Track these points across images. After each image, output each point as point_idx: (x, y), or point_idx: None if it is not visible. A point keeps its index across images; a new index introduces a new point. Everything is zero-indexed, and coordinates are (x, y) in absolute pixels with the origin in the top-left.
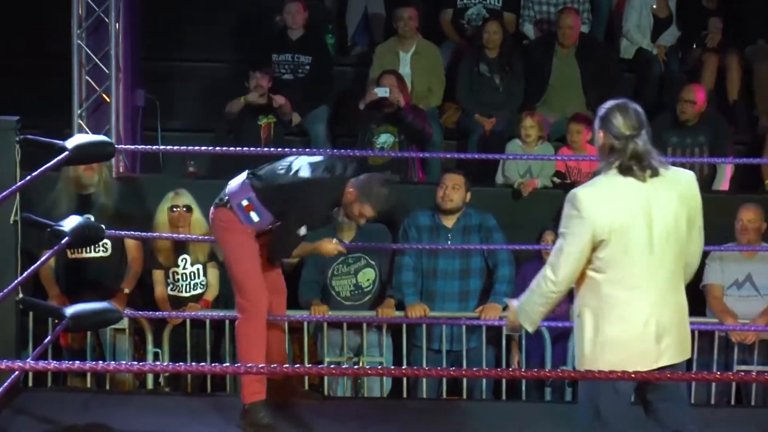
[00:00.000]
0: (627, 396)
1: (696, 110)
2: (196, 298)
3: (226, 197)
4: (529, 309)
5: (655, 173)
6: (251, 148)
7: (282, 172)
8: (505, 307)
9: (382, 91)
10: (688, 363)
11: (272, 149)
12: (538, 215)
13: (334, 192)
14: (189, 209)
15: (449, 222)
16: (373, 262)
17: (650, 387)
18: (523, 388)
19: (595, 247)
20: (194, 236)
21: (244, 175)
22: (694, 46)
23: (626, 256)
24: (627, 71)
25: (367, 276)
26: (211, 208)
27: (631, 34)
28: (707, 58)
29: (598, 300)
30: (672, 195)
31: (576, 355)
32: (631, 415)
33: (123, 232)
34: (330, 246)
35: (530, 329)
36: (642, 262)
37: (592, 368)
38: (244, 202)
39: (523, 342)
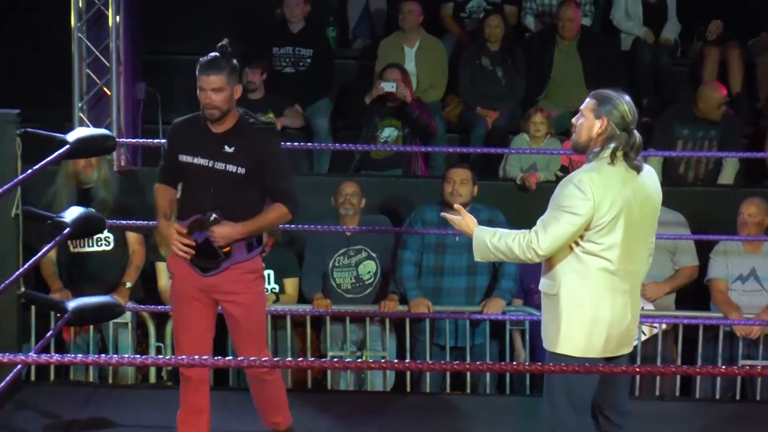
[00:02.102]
0: (594, 378)
1: (722, 109)
2: None
3: None
4: (490, 250)
5: (640, 168)
6: None
7: None
8: (509, 302)
9: (388, 86)
10: (693, 357)
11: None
12: (541, 209)
13: None
14: None
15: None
16: (374, 254)
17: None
18: (527, 382)
19: (587, 230)
20: None
21: None
22: (695, 40)
23: (613, 242)
24: (625, 63)
25: (368, 268)
26: (225, 265)
27: (621, 22)
28: (708, 51)
29: (584, 282)
30: (650, 189)
31: (547, 332)
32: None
33: (124, 222)
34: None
35: (477, 258)
36: (627, 250)
37: (568, 346)
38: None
39: (527, 336)
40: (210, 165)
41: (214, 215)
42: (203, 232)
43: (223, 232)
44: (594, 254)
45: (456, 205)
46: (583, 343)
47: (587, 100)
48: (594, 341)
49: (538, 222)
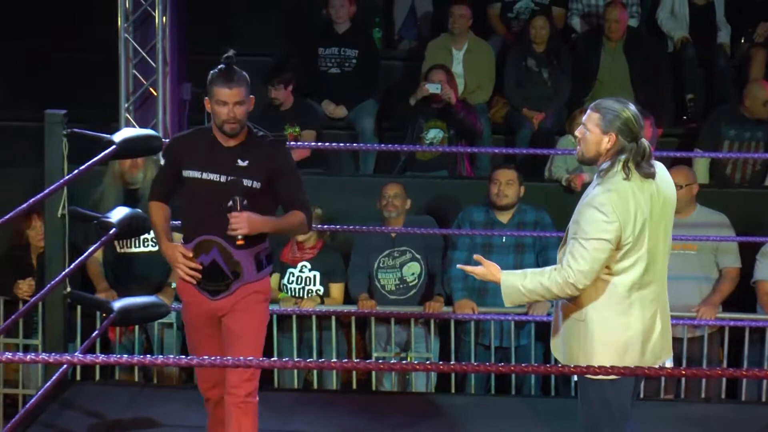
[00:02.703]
0: (627, 393)
1: (764, 107)
2: None
3: None
4: (523, 294)
5: (653, 175)
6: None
7: None
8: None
9: (433, 87)
10: (739, 359)
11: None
12: None
13: None
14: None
15: (504, 218)
16: (418, 256)
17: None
18: (573, 384)
19: (615, 251)
20: None
21: None
22: (742, 41)
23: (639, 255)
24: (671, 64)
25: (412, 270)
26: (235, 286)
27: (665, 23)
28: (755, 53)
29: (612, 303)
30: (665, 190)
31: (574, 357)
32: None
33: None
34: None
35: (507, 304)
36: (650, 261)
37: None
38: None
39: None
40: (223, 180)
41: (244, 200)
42: (210, 254)
43: (254, 218)
44: (620, 273)
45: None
46: (627, 366)
47: (590, 112)
48: (628, 362)
49: (567, 254)
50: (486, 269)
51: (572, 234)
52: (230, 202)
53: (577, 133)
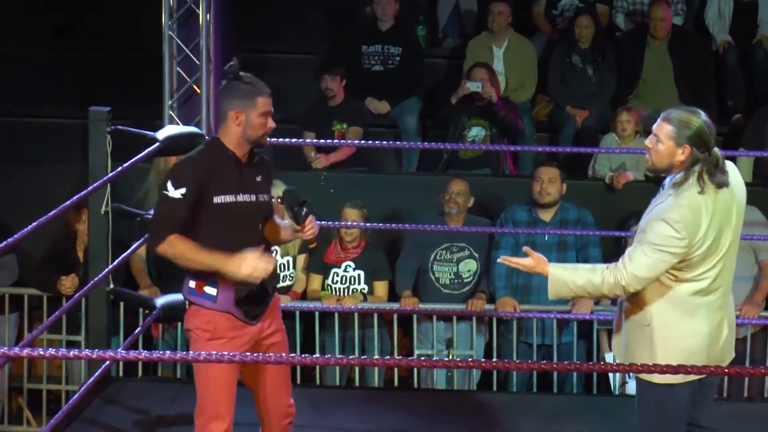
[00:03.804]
0: (684, 398)
1: None
2: (286, 290)
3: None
4: (570, 289)
5: (726, 184)
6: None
7: None
8: (597, 302)
9: (474, 86)
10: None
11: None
12: (630, 209)
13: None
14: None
15: (547, 216)
16: (476, 254)
17: (703, 388)
18: (613, 382)
19: (680, 263)
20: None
21: None
22: None
23: (708, 265)
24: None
25: (469, 266)
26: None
27: (712, 23)
28: None
29: (678, 309)
30: (737, 196)
31: (636, 359)
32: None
33: None
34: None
35: (550, 297)
36: (718, 268)
37: (659, 375)
38: (191, 283)
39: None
40: (254, 200)
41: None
42: None
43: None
44: (687, 281)
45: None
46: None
47: (661, 123)
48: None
49: (626, 256)
50: (534, 262)
51: (637, 240)
52: (302, 209)
53: (647, 143)
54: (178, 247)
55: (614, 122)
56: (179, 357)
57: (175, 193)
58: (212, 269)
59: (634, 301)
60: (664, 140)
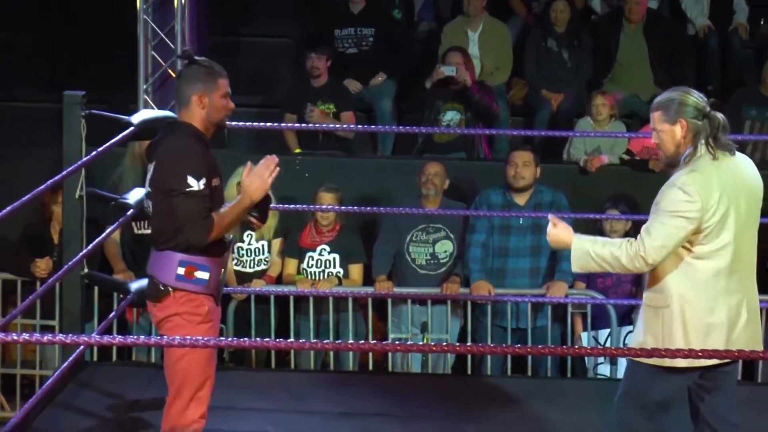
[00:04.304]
0: (680, 388)
1: None
2: (260, 274)
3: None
4: (593, 259)
5: (733, 150)
6: (319, 125)
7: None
8: (571, 285)
9: (448, 70)
10: None
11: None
12: (604, 192)
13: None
14: None
15: (521, 199)
16: (452, 235)
17: (711, 376)
18: (589, 365)
19: (696, 234)
20: None
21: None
22: (762, 22)
23: (725, 242)
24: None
25: (445, 247)
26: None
27: (689, 8)
28: None
29: (698, 289)
30: (753, 180)
31: (658, 340)
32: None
33: None
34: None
35: (574, 269)
36: (736, 246)
37: (658, 359)
38: (180, 270)
39: (589, 320)
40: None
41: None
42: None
43: None
44: (706, 258)
45: (550, 215)
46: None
47: (652, 115)
48: (710, 347)
49: (643, 229)
50: (558, 231)
51: (653, 212)
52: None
53: (653, 141)
54: (222, 224)
55: (589, 106)
56: (153, 342)
57: (199, 185)
58: (246, 211)
59: (656, 286)
60: (660, 127)
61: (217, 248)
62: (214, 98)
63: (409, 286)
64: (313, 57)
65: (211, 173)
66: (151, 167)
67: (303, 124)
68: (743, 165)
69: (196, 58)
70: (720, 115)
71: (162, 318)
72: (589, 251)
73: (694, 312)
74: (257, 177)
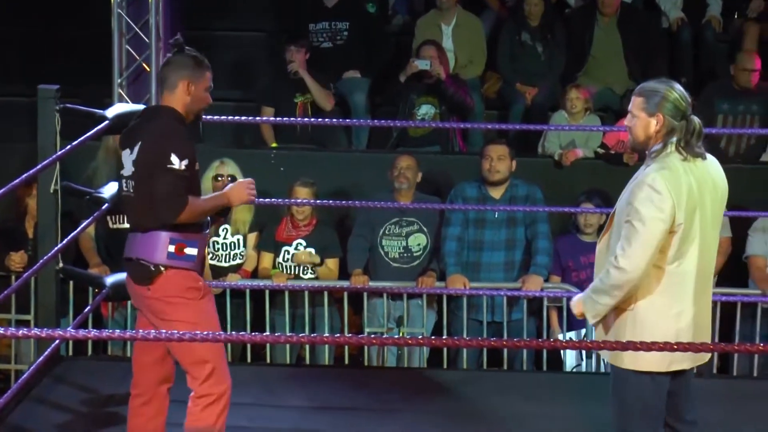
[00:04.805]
0: (664, 390)
1: (754, 78)
2: (236, 269)
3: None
4: (596, 300)
5: (704, 156)
6: (293, 119)
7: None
8: (547, 279)
9: (422, 64)
10: (731, 334)
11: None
12: (579, 186)
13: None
14: (233, 179)
15: (496, 193)
16: (425, 229)
17: (679, 378)
18: (565, 359)
19: (670, 234)
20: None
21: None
22: (736, 16)
23: (692, 245)
24: (667, 40)
25: (418, 240)
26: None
27: (663, 1)
28: (748, 27)
29: (665, 291)
30: (718, 181)
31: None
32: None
33: None
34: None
35: (591, 321)
36: (704, 248)
37: (652, 363)
38: (171, 248)
39: (564, 314)
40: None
41: None
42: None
43: None
44: (673, 260)
45: (572, 304)
46: (669, 358)
47: (633, 97)
48: (677, 354)
49: (622, 239)
50: (576, 306)
51: (626, 217)
52: None
53: (625, 122)
54: (194, 209)
55: (564, 99)
56: (129, 336)
57: (181, 164)
58: (219, 209)
59: None
60: (637, 113)
61: (199, 224)
62: (199, 89)
63: (382, 280)
64: (292, 49)
65: (193, 157)
66: (125, 153)
67: (280, 118)
68: (711, 167)
69: (187, 48)
70: (697, 121)
71: (158, 298)
72: (589, 294)
73: (662, 315)
74: (244, 187)
